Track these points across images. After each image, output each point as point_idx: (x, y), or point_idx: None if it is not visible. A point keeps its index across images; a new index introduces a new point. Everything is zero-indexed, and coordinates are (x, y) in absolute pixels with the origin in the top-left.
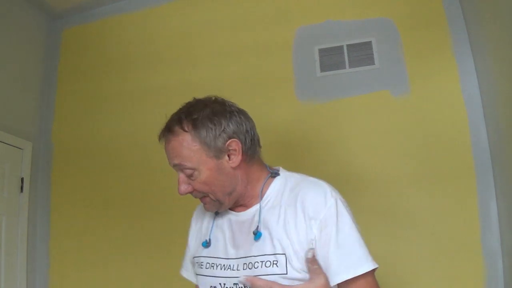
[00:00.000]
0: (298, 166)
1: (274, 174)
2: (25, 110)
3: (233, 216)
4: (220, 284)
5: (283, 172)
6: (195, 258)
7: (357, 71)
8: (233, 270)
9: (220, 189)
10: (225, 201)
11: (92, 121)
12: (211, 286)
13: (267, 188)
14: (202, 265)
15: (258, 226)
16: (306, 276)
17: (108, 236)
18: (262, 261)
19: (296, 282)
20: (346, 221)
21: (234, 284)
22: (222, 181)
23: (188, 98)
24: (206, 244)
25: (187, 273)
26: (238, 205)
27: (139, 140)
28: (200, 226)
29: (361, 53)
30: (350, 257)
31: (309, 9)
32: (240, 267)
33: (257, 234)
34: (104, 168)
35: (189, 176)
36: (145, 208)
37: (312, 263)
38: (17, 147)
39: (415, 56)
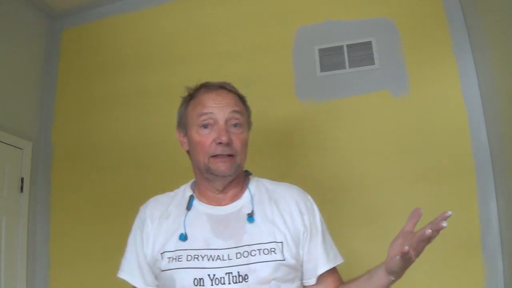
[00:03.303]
0: (298, 166)
1: (248, 173)
2: (25, 110)
3: (213, 210)
4: (208, 275)
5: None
6: (165, 253)
7: (357, 71)
8: (223, 260)
9: (244, 155)
10: (238, 170)
11: (92, 121)
12: (195, 279)
13: (248, 183)
14: (180, 258)
15: (252, 212)
16: (299, 262)
17: (108, 236)
18: (259, 249)
19: (292, 268)
20: (323, 220)
21: (226, 273)
22: (246, 149)
23: None
24: (184, 237)
25: (129, 275)
26: (223, 191)
27: (139, 140)
28: (160, 223)
29: (361, 53)
30: (331, 250)
31: (309, 9)
32: (233, 256)
33: (250, 218)
34: (104, 168)
35: (237, 127)
36: None
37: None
38: (17, 147)
39: (415, 56)
